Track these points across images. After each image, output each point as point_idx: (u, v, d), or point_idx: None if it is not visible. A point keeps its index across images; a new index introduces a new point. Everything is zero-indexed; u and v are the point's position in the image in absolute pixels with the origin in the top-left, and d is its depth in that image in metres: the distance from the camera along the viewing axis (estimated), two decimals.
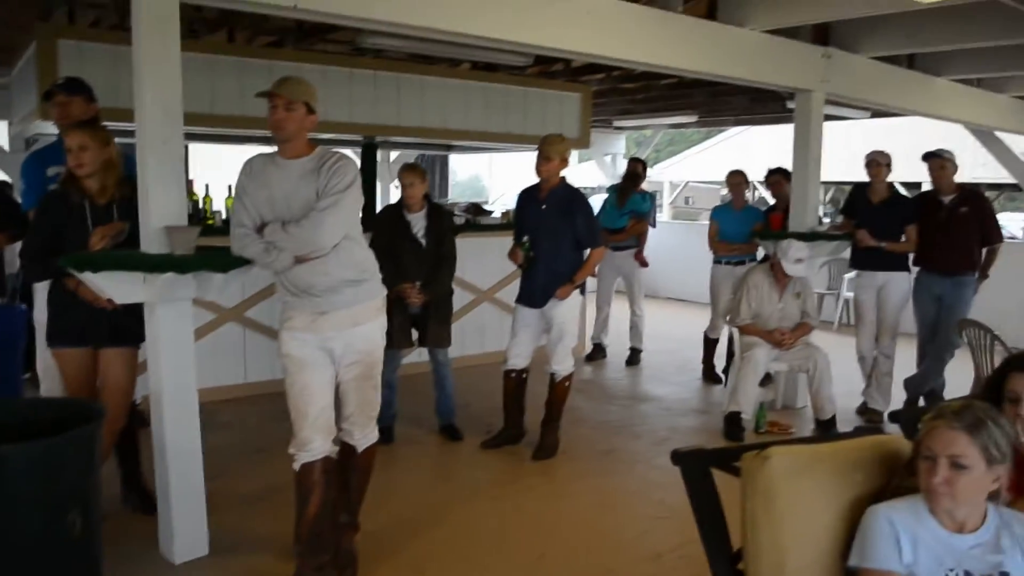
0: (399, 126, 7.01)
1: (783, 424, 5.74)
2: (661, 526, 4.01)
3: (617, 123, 11.81)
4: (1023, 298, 8.32)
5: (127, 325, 3.61)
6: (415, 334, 5.11)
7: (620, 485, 4.66)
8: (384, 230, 4.95)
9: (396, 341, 4.77)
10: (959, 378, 5.68)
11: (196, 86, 5.37)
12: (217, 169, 8.58)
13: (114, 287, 3.26)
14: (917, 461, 1.90)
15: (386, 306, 3.41)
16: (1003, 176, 10.98)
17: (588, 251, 4.94)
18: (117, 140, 3.68)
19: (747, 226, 6.66)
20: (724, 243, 6.86)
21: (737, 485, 2.00)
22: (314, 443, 3.19)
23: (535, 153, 4.87)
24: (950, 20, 5.72)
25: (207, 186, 6.43)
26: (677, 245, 11.78)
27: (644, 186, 7.70)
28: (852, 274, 7.04)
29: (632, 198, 7.39)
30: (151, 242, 3.34)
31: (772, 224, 6.47)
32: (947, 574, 1.84)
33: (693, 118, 10.82)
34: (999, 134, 9.48)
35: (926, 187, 6.46)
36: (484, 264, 7.03)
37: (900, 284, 5.90)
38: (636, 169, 7.54)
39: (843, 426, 5.32)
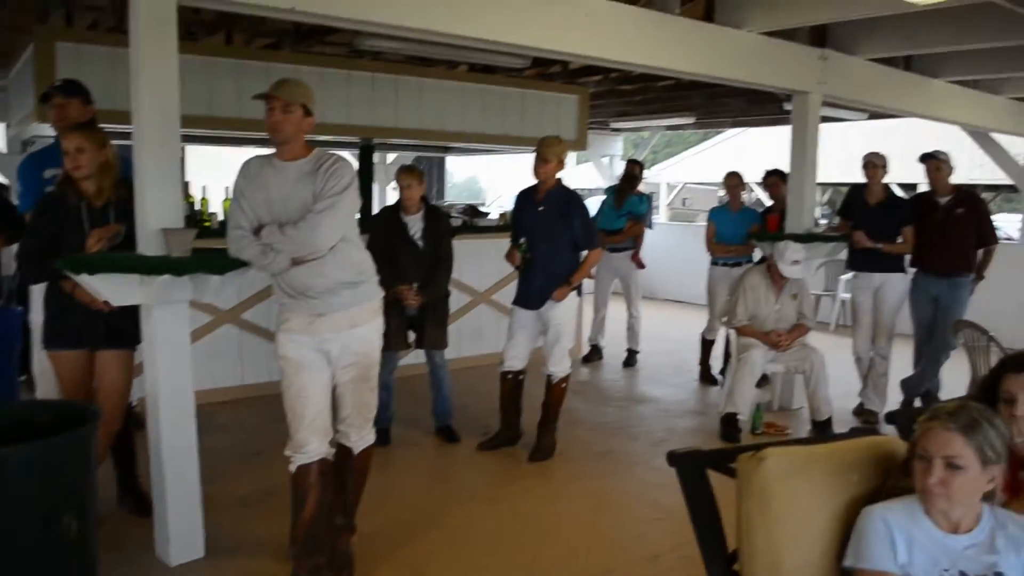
0: (397, 128, 7.02)
1: (779, 425, 5.74)
2: (658, 527, 4.01)
3: (614, 125, 11.82)
4: (1019, 299, 8.34)
5: (123, 327, 3.60)
6: (412, 336, 5.11)
7: (617, 486, 4.66)
8: (381, 232, 4.95)
9: (393, 343, 4.77)
10: (955, 379, 5.69)
11: (194, 88, 5.37)
12: (215, 171, 8.57)
13: (110, 289, 3.25)
14: (912, 462, 1.91)
15: (383, 308, 3.41)
16: (1000, 177, 10.99)
17: (585, 253, 4.94)
18: (114, 142, 3.68)
19: (744, 228, 6.67)
20: (721, 244, 6.87)
21: (733, 486, 2.01)
22: (310, 445, 3.19)
23: (532, 155, 4.88)
24: (947, 22, 5.74)
25: (204, 188, 6.43)
26: (674, 247, 11.79)
27: (641, 188, 7.71)
28: (849, 275, 7.04)
29: (629, 200, 7.40)
30: (148, 244, 3.34)
31: (769, 226, 6.48)
32: (942, 574, 1.84)
33: (690, 120, 10.83)
34: (995, 136, 9.50)
35: (923, 188, 6.47)
36: (481, 266, 7.03)
37: (897, 285, 5.91)
38: (633, 171, 7.55)
39: (839, 427, 5.33)
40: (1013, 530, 1.89)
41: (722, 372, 6.72)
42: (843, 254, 6.25)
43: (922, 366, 5.92)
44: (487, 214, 8.69)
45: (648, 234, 7.81)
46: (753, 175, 9.65)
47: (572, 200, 4.89)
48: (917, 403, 5.86)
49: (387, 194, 12.52)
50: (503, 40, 4.41)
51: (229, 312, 5.93)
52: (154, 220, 3.33)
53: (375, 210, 6.99)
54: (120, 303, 3.35)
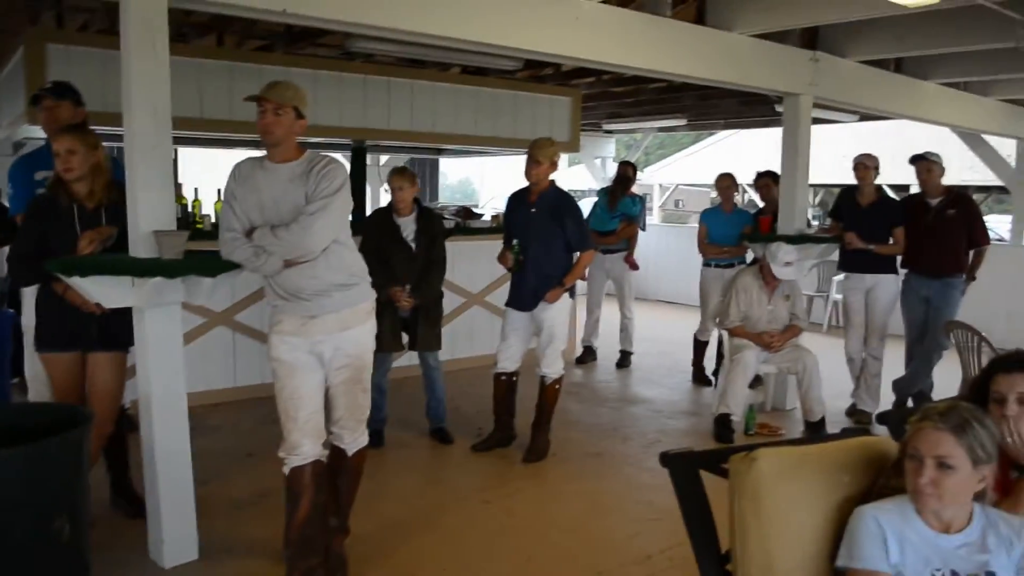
0: (389, 130, 7.02)
1: (773, 426, 5.75)
2: (651, 528, 4.02)
3: (607, 126, 11.84)
4: (1010, 300, 8.38)
5: (116, 329, 3.59)
6: (405, 338, 5.11)
7: (610, 487, 4.67)
8: (374, 234, 4.95)
9: (386, 345, 4.77)
10: (947, 379, 5.71)
11: (185, 90, 5.37)
12: (207, 172, 8.56)
13: (102, 291, 3.25)
14: (904, 462, 1.92)
15: (376, 310, 3.41)
16: (990, 179, 11.05)
17: (578, 254, 4.95)
18: (106, 144, 3.67)
19: (736, 229, 6.69)
20: (713, 246, 6.88)
21: (726, 487, 2.01)
22: (304, 447, 3.18)
23: (525, 157, 4.88)
24: (936, 24, 5.77)
25: (196, 190, 6.42)
26: (667, 248, 11.82)
27: (634, 189, 7.72)
28: (841, 276, 7.07)
29: (622, 201, 7.41)
30: (139, 246, 3.33)
31: (761, 227, 6.49)
32: (934, 574, 1.85)
33: (683, 121, 10.86)
34: (986, 137, 9.55)
35: (914, 190, 6.50)
36: (474, 267, 7.03)
37: (888, 286, 5.93)
38: (626, 172, 7.56)
39: (832, 427, 5.35)
40: (1004, 529, 1.90)
41: (715, 373, 6.73)
42: (835, 255, 6.26)
43: (914, 367, 5.95)
44: (480, 215, 8.69)
45: (641, 235, 7.82)
46: (746, 176, 9.68)
47: (564, 202, 4.90)
48: (909, 403, 5.88)
49: (380, 196, 12.52)
50: (495, 42, 4.42)
51: (222, 314, 5.92)
52: (146, 222, 3.32)
53: (368, 212, 6.99)
54: (112, 305, 3.35)
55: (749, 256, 6.72)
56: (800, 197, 6.21)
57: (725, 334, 5.85)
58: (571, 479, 4.76)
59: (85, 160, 3.50)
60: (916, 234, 5.77)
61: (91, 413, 3.11)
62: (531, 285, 4.86)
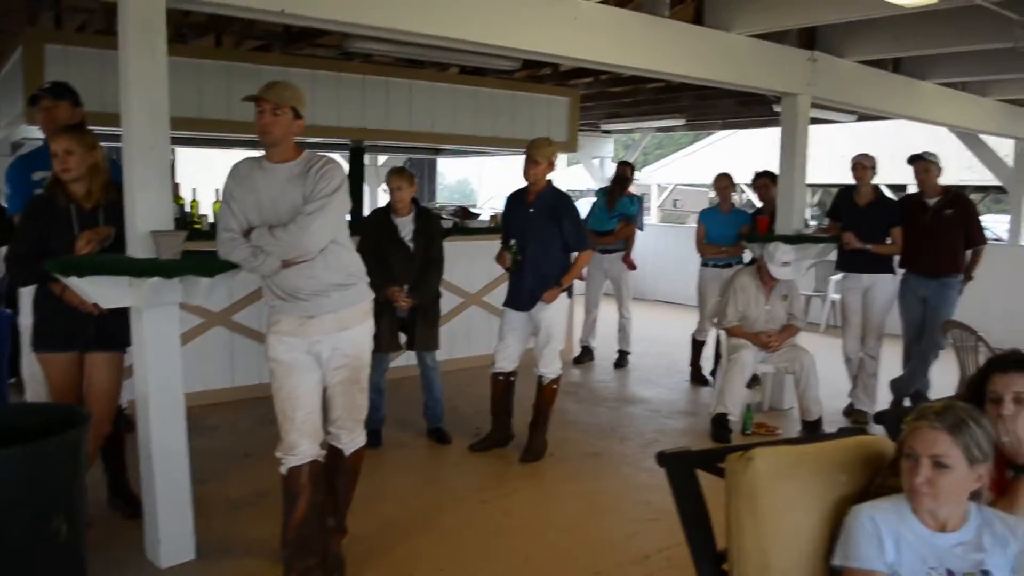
0: (387, 130, 7.02)
1: (770, 426, 5.76)
2: (649, 528, 4.02)
3: (605, 127, 11.85)
4: (1007, 299, 8.39)
5: (113, 329, 3.59)
6: (403, 338, 5.11)
7: (608, 487, 4.67)
8: (372, 234, 4.95)
9: (384, 345, 4.77)
10: (944, 379, 5.72)
11: (183, 90, 5.37)
12: (206, 171, 8.56)
13: (100, 292, 3.25)
14: (900, 461, 1.92)
15: (374, 310, 3.41)
16: (988, 179, 11.05)
17: (575, 254, 4.95)
18: (104, 144, 3.67)
19: (734, 229, 6.70)
20: (711, 246, 6.89)
21: (723, 486, 2.02)
22: (301, 447, 3.19)
23: (523, 157, 4.88)
24: (934, 24, 5.77)
25: (194, 190, 6.42)
26: (665, 248, 11.83)
27: (632, 189, 7.73)
28: (838, 276, 7.07)
29: (620, 201, 7.41)
30: (137, 246, 3.33)
31: (759, 227, 6.50)
32: (929, 573, 1.86)
33: (681, 122, 10.86)
34: (984, 137, 9.56)
35: (911, 190, 6.51)
36: (472, 267, 7.03)
37: (886, 286, 5.94)
38: (624, 172, 7.56)
39: (830, 427, 5.34)
40: (999, 528, 1.91)
41: (713, 373, 6.74)
42: (833, 255, 6.27)
43: (911, 366, 5.95)
44: (478, 215, 8.70)
45: (639, 235, 7.82)
46: (744, 176, 9.69)
47: (562, 202, 4.90)
48: (907, 403, 5.89)
49: (378, 196, 12.52)
50: (494, 42, 4.42)
51: (220, 314, 5.92)
52: (143, 222, 3.32)
53: (366, 212, 6.99)
54: (110, 305, 3.35)
55: (747, 256, 6.73)
56: (798, 197, 6.22)
57: (723, 334, 5.85)
58: (569, 479, 4.76)
59: (83, 160, 3.50)
60: (914, 234, 5.78)
61: (88, 413, 3.11)
62: (529, 285, 4.86)
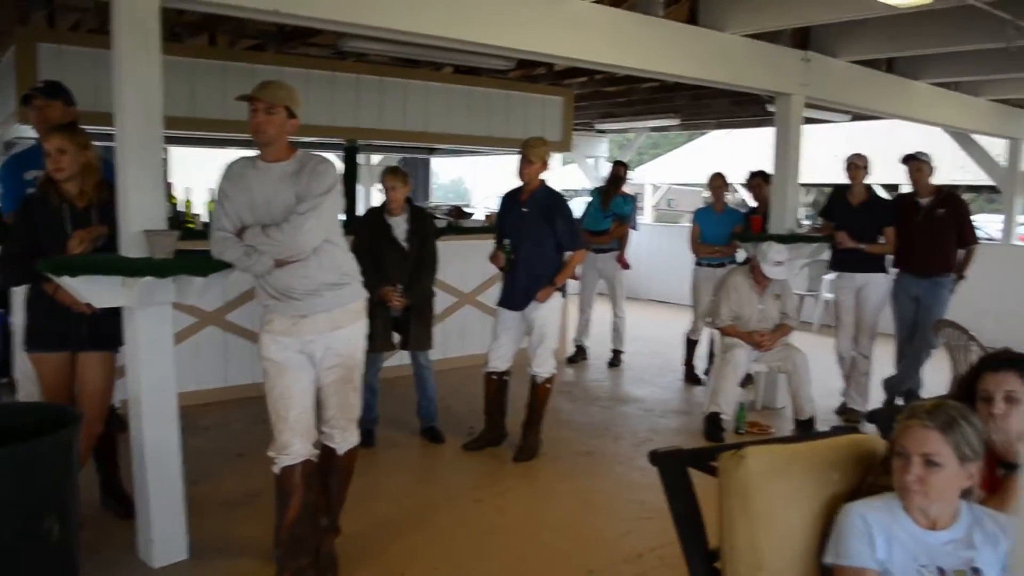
0: (381, 129, 7.02)
1: (763, 424, 5.77)
2: (642, 527, 4.03)
3: (599, 126, 11.86)
4: (999, 299, 8.41)
5: (106, 329, 3.58)
6: (397, 337, 5.11)
7: (601, 486, 4.68)
8: (366, 233, 4.95)
9: (378, 344, 4.77)
10: (937, 378, 5.74)
11: (177, 89, 5.37)
12: (199, 170, 8.54)
13: (93, 291, 3.24)
14: (891, 459, 1.93)
15: (368, 309, 3.41)
16: (981, 178, 11.08)
17: (569, 253, 4.95)
18: (97, 144, 3.67)
19: (728, 228, 6.71)
20: (705, 245, 6.90)
21: (716, 485, 2.02)
22: (294, 446, 3.19)
23: (517, 156, 4.89)
24: (928, 24, 5.79)
25: (188, 190, 6.41)
26: (659, 247, 11.84)
27: (626, 189, 7.74)
28: (832, 276, 7.10)
29: (615, 201, 7.42)
30: (130, 246, 3.32)
31: (752, 226, 6.51)
32: (920, 570, 1.86)
33: (675, 121, 10.87)
34: (976, 137, 9.59)
35: (905, 189, 6.52)
36: (466, 267, 7.03)
37: (879, 285, 5.96)
38: (619, 172, 7.57)
39: (823, 426, 5.34)
40: (990, 526, 1.91)
41: (706, 372, 6.75)
42: (826, 254, 6.29)
43: (904, 365, 5.97)
44: (471, 215, 8.70)
45: (633, 235, 7.83)
46: (737, 176, 9.70)
47: (556, 201, 4.90)
48: (899, 402, 5.91)
49: (372, 195, 12.51)
50: (489, 42, 4.42)
51: (213, 314, 5.91)
52: (137, 222, 3.32)
53: (360, 212, 6.98)
54: (102, 305, 3.34)
55: (740, 255, 6.74)
56: (791, 197, 6.23)
57: (716, 333, 5.86)
58: (562, 478, 4.77)
59: (75, 160, 3.50)
60: (906, 233, 5.80)
61: (80, 413, 3.10)
62: (522, 284, 4.87)
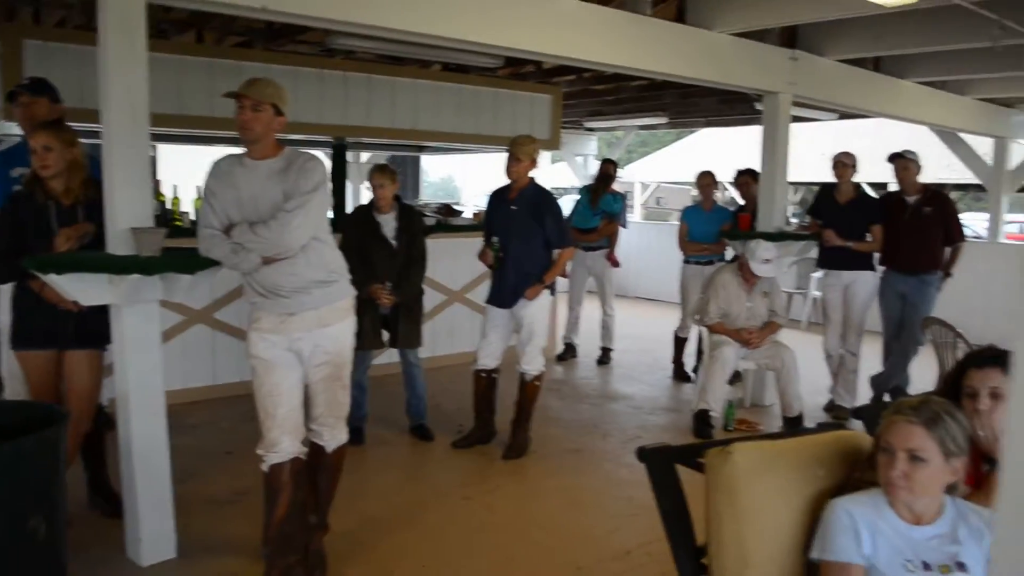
0: (369, 127, 7.01)
1: (752, 422, 5.80)
2: (630, 523, 4.04)
3: (588, 124, 11.85)
4: (986, 296, 8.47)
5: (93, 327, 3.57)
6: (386, 335, 5.11)
7: (590, 483, 4.68)
8: (355, 231, 4.95)
9: (367, 342, 4.77)
10: (924, 375, 5.77)
11: (164, 87, 5.34)
12: (187, 169, 8.50)
13: (79, 289, 3.23)
14: (877, 455, 1.94)
15: (356, 307, 3.41)
16: (968, 177, 11.14)
17: (558, 251, 4.96)
18: (84, 141, 3.65)
19: (716, 226, 6.73)
20: (694, 243, 6.92)
21: (703, 481, 2.03)
22: (282, 444, 3.18)
23: (506, 154, 4.89)
24: (914, 23, 5.82)
25: (175, 187, 6.38)
26: (648, 245, 11.86)
27: (616, 187, 7.75)
28: (819, 273, 7.12)
29: (604, 199, 7.43)
30: (117, 243, 3.31)
31: (741, 224, 6.53)
32: (905, 565, 1.88)
33: (664, 120, 10.88)
34: (963, 136, 9.64)
35: (892, 188, 6.56)
36: (455, 265, 7.03)
37: (866, 283, 5.98)
38: (608, 170, 7.58)
39: (811, 423, 5.38)
40: (975, 521, 1.93)
41: (695, 370, 6.77)
42: (814, 252, 6.32)
43: (891, 362, 6.00)
44: (460, 213, 8.69)
45: (622, 233, 7.85)
46: (726, 174, 9.73)
47: (544, 199, 4.91)
48: (887, 399, 5.94)
49: (361, 193, 12.49)
50: (477, 40, 4.42)
51: (201, 312, 5.89)
52: (123, 219, 3.31)
53: (349, 210, 6.97)
54: (89, 303, 3.32)
55: (729, 253, 6.76)
56: (779, 195, 6.25)
57: (705, 331, 5.88)
58: (551, 475, 4.77)
59: (62, 157, 3.48)
60: (893, 231, 5.83)
61: (67, 411, 3.09)
62: (511, 282, 4.87)
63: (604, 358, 7.66)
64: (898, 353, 5.94)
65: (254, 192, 3.08)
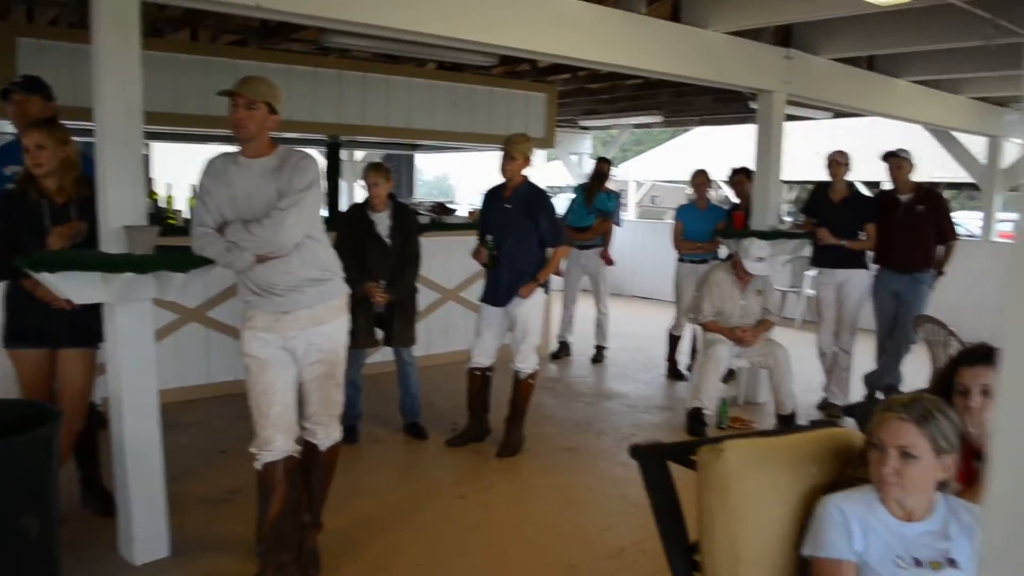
0: (364, 125, 7.00)
1: (745, 419, 5.81)
2: (624, 521, 4.05)
3: (583, 123, 11.87)
4: (979, 294, 8.49)
5: (86, 326, 3.57)
6: (380, 333, 5.11)
7: (584, 482, 4.69)
8: (349, 229, 4.94)
9: (361, 340, 4.77)
10: (917, 373, 5.78)
11: (158, 85, 5.32)
12: (181, 167, 8.49)
13: (72, 287, 3.22)
14: (868, 452, 1.95)
15: (351, 305, 3.41)
16: (961, 175, 11.17)
17: (551, 250, 4.96)
18: (77, 139, 3.64)
19: (711, 225, 6.74)
20: (688, 242, 6.93)
21: (696, 479, 2.03)
22: (276, 442, 3.18)
23: (501, 153, 4.89)
24: (908, 23, 5.84)
25: (169, 185, 6.37)
26: (643, 244, 11.87)
27: (610, 185, 7.76)
28: (813, 272, 7.14)
29: (598, 197, 7.44)
30: (110, 242, 3.31)
31: (735, 223, 6.54)
32: (896, 561, 1.88)
33: (658, 118, 10.89)
34: (957, 134, 9.66)
35: (886, 186, 6.57)
36: (449, 263, 7.03)
37: (859, 281, 6.00)
38: (602, 169, 7.59)
39: (804, 421, 5.39)
40: (966, 518, 1.94)
41: (689, 368, 6.78)
42: (807, 251, 6.33)
43: (884, 360, 6.02)
44: (455, 211, 8.69)
45: (617, 231, 7.86)
46: (720, 173, 9.73)
47: (538, 197, 4.91)
48: (879, 397, 5.95)
49: (355, 192, 12.48)
50: (473, 39, 4.42)
51: (194, 310, 5.88)
52: (116, 217, 3.30)
53: (343, 208, 6.96)
54: (82, 301, 3.32)
55: (723, 252, 6.77)
56: (773, 193, 6.26)
57: (699, 329, 5.89)
58: (545, 474, 4.78)
59: (54, 155, 3.48)
60: (887, 230, 5.85)
61: (60, 410, 3.09)
62: (505, 281, 4.87)
63: (598, 356, 7.67)
64: (891, 351, 5.96)
65: (248, 190, 3.08)
